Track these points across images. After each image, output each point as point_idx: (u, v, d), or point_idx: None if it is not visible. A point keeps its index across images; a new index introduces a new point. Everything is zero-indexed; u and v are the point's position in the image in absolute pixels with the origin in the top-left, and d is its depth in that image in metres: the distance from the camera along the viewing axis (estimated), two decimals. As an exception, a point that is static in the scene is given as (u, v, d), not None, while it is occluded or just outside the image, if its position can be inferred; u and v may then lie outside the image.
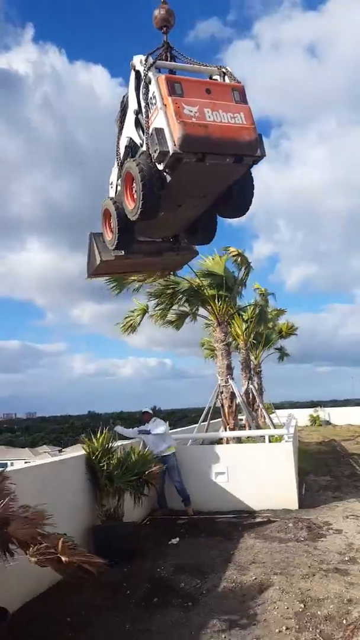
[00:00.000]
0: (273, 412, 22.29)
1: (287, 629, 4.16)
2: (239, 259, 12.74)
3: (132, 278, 10.57)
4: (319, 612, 4.41)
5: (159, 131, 4.66)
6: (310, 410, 37.17)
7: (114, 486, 6.44)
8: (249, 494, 8.64)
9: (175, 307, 12.02)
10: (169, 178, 4.92)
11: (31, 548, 3.74)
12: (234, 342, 15.82)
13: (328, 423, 34.80)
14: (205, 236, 6.62)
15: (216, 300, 11.62)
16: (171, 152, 4.61)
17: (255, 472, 8.70)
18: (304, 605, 4.56)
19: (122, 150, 5.87)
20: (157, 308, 11.81)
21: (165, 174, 4.89)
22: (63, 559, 3.71)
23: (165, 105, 4.66)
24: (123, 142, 5.83)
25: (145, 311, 11.98)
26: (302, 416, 35.73)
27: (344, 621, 4.19)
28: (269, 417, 14.10)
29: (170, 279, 11.08)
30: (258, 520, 7.86)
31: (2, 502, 3.90)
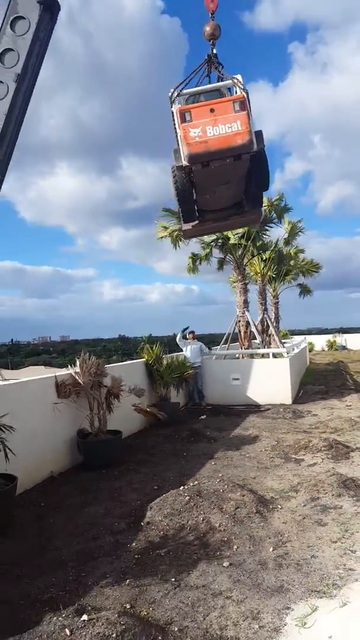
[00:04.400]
0: (290, 338, 25.46)
1: (265, 450, 7.64)
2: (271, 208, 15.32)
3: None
4: (284, 444, 7.87)
5: (176, 150, 6.74)
6: (329, 336, 40.28)
7: (164, 380, 9.96)
8: (256, 393, 12.13)
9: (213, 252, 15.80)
10: (193, 179, 7.13)
11: (122, 399, 7.29)
12: (253, 276, 18.66)
13: (344, 348, 37.75)
14: (254, 204, 8.28)
15: (236, 249, 14.65)
16: (183, 165, 6.40)
17: (261, 378, 12.14)
18: (277, 442, 8.03)
19: None
20: (197, 255, 15.97)
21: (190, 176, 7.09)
22: (147, 409, 7.27)
23: (179, 130, 6.30)
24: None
25: (193, 257, 15.89)
26: (321, 342, 39.01)
27: (296, 446, 7.65)
28: (280, 341, 17.27)
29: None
30: (261, 409, 11.36)
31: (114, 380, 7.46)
